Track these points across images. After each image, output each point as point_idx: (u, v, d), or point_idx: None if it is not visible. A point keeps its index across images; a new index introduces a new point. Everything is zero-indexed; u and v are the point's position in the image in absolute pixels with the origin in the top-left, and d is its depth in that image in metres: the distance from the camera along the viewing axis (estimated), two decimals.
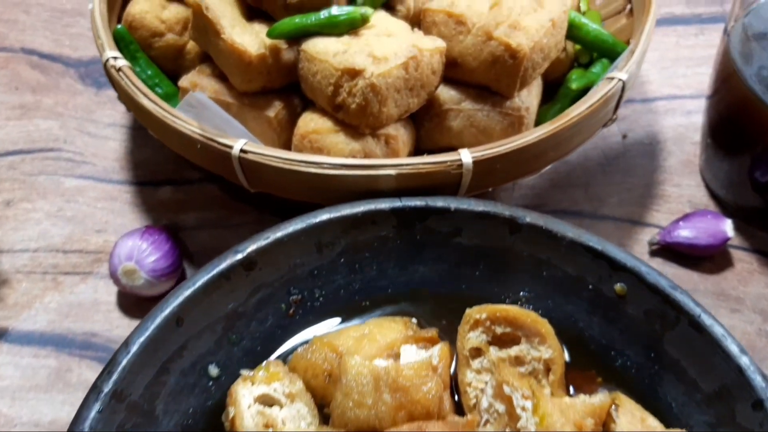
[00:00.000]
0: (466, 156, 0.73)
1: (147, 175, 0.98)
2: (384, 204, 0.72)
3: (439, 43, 0.78)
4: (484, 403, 0.59)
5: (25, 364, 0.81)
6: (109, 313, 0.86)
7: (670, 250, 0.92)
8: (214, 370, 0.67)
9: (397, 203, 0.73)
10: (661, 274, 0.68)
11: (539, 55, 0.80)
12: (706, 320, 0.65)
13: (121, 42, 0.87)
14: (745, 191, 0.93)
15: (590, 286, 0.71)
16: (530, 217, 0.72)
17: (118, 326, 0.84)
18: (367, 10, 0.78)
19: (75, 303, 0.86)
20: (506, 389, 0.56)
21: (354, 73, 0.74)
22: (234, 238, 0.92)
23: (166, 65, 0.91)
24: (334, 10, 0.77)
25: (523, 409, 0.55)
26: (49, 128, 1.04)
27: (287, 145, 0.85)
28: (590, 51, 0.92)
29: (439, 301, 0.73)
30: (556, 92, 0.93)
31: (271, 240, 0.69)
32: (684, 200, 0.98)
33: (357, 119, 0.77)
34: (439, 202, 0.73)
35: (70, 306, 0.86)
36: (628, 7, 0.97)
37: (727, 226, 0.90)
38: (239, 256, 0.68)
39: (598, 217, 0.96)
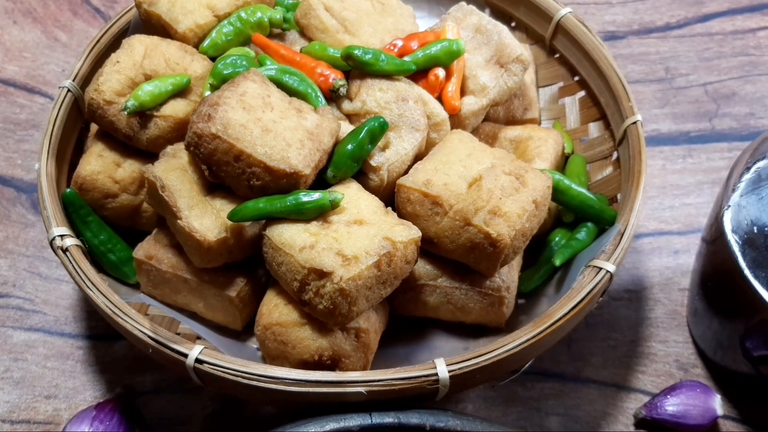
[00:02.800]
0: (443, 371, 0.68)
1: (101, 327, 0.92)
2: (353, 421, 0.67)
3: (414, 233, 0.72)
4: None
5: None
6: None
7: (656, 426, 0.87)
8: None
9: (367, 420, 0.67)
10: None
11: (521, 240, 0.76)
12: None
13: (70, 207, 0.80)
14: (734, 357, 0.89)
15: None
16: None
17: None
18: (336, 196, 0.72)
19: None
20: None
21: (321, 275, 0.69)
22: (194, 404, 0.86)
23: (121, 223, 0.85)
24: (303, 196, 0.72)
25: None
26: None
27: (251, 318, 0.80)
28: (574, 212, 0.87)
29: None
30: (538, 251, 0.87)
31: None
32: (671, 360, 0.93)
33: (324, 318, 0.71)
34: (413, 419, 0.67)
35: None
36: (615, 155, 0.92)
37: (717, 403, 0.85)
38: None
39: (581, 380, 0.91)
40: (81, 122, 0.90)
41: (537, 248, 0.88)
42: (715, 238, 0.83)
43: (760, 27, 1.30)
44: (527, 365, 0.77)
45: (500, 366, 0.70)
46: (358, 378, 0.67)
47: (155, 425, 0.85)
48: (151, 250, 0.79)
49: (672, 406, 0.86)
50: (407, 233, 0.72)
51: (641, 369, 0.92)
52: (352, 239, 0.70)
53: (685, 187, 1.10)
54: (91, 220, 0.81)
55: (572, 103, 1.02)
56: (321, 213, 0.72)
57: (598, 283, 0.73)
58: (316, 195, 0.72)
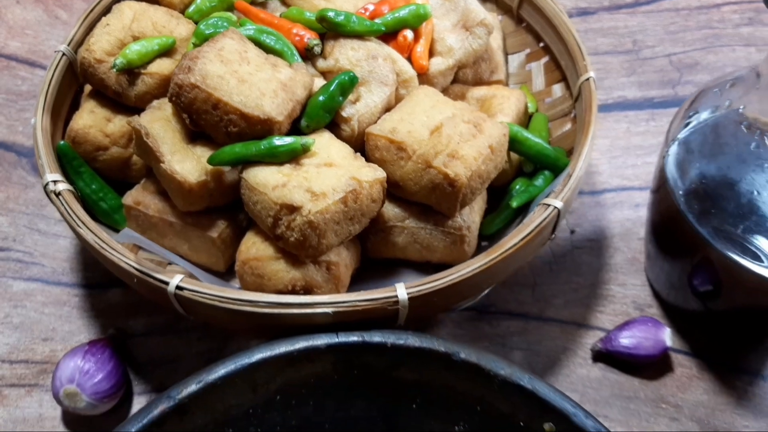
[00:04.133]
0: (402, 292, 0.74)
1: (96, 277, 0.99)
2: (320, 340, 0.73)
3: (379, 174, 0.79)
4: None
5: None
6: (54, 428, 0.86)
7: (612, 358, 0.93)
8: None
9: (333, 339, 0.73)
10: (587, 414, 0.69)
11: (477, 181, 0.82)
12: None
13: (64, 158, 0.87)
14: (685, 295, 0.95)
15: (521, 423, 0.72)
16: (464, 353, 0.73)
17: None
18: (307, 141, 0.79)
19: (20, 418, 0.87)
20: None
21: (292, 209, 0.75)
22: (182, 345, 0.93)
23: (112, 175, 0.91)
24: (276, 140, 0.78)
25: None
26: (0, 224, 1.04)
27: (233, 260, 0.86)
28: (534, 162, 0.93)
29: None
30: (501, 199, 0.94)
31: (203, 384, 0.70)
32: (628, 301, 0.99)
33: (296, 251, 0.78)
34: (376, 338, 0.74)
35: (15, 421, 0.86)
36: (573, 112, 0.98)
37: (666, 336, 0.92)
38: (171, 403, 0.69)
39: (544, 319, 0.97)
40: (76, 85, 0.96)
41: (500, 197, 0.94)
42: (659, 187, 0.90)
43: (725, 2, 1.36)
44: (483, 294, 0.83)
45: (456, 290, 0.76)
46: (324, 300, 0.73)
47: (144, 364, 0.91)
48: (139, 196, 0.86)
49: (626, 339, 0.92)
50: (373, 174, 0.79)
51: (600, 309, 0.99)
52: (321, 178, 0.77)
53: (647, 147, 1.16)
54: (83, 170, 0.88)
55: (538, 68, 1.08)
56: (293, 156, 0.79)
57: (546, 218, 0.79)
58: (288, 139, 0.78)
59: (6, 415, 0.87)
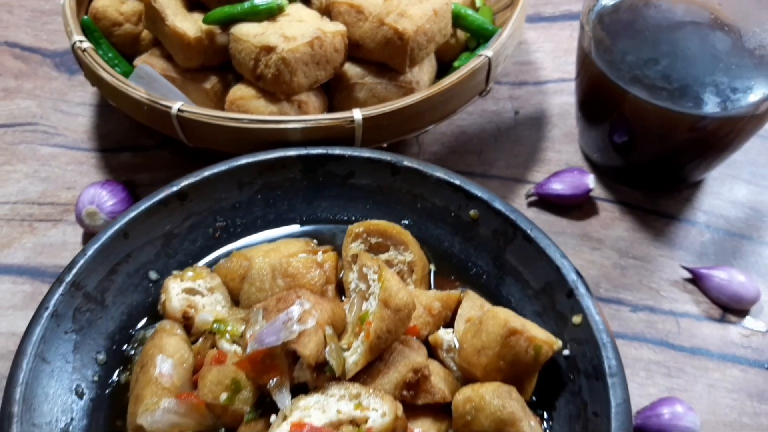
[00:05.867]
0: (357, 114, 0.92)
1: (109, 144, 1.17)
2: (292, 152, 0.91)
3: (340, 27, 0.97)
4: (353, 285, 0.78)
5: (4, 289, 0.99)
6: (75, 250, 1.03)
7: (544, 201, 1.11)
8: (153, 275, 0.85)
9: (302, 151, 0.91)
10: (503, 202, 0.87)
11: (423, 37, 1.00)
12: (535, 234, 0.83)
13: (87, 30, 1.05)
14: (608, 153, 1.12)
15: (452, 214, 0.90)
16: (407, 161, 0.91)
17: None
18: (283, 2, 0.97)
19: (47, 243, 1.04)
20: (364, 269, 0.75)
21: (269, 49, 0.93)
22: None
23: (124, 50, 1.10)
24: (257, 1, 0.97)
25: (373, 280, 0.73)
26: (28, 107, 1.22)
27: (221, 110, 1.04)
28: (476, 38, 1.11)
29: (336, 228, 0.92)
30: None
31: (200, 177, 0.88)
32: (562, 163, 1.17)
33: (273, 87, 0.96)
34: (336, 150, 0.92)
35: (43, 246, 1.04)
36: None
37: (590, 180, 1.09)
38: (175, 189, 0.87)
39: (488, 176, 1.15)
40: None
41: (448, 71, 1.12)
42: (581, 60, 1.07)
43: None
44: (430, 127, 1.00)
45: (403, 116, 0.94)
46: (294, 119, 0.91)
47: None
48: (147, 59, 1.04)
49: (555, 184, 1.09)
50: (335, 27, 0.97)
51: (537, 169, 1.16)
52: (293, 28, 0.95)
53: None
54: (102, 42, 1.07)
55: None
56: (271, 15, 0.98)
57: (478, 64, 0.97)
58: (267, 0, 0.97)
59: (35, 241, 1.04)
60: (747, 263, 1.05)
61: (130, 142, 1.17)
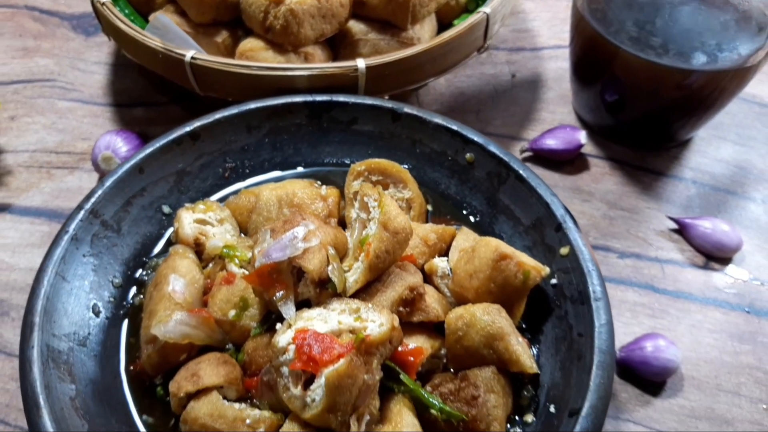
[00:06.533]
0: (361, 63, 0.97)
1: (124, 100, 1.22)
2: (298, 98, 0.97)
3: None
4: (353, 215, 0.83)
5: (23, 228, 1.05)
6: None
7: (537, 157, 1.16)
8: (166, 209, 0.91)
9: (308, 98, 0.97)
10: (498, 146, 0.92)
11: None
12: (527, 174, 0.89)
13: None
14: (600, 113, 1.17)
15: (449, 158, 0.95)
16: (408, 108, 0.96)
17: None
18: None
19: (64, 188, 1.10)
20: (365, 199, 0.80)
21: (278, 1, 0.99)
22: None
23: (140, 9, 1.15)
24: None
25: (373, 207, 0.79)
26: (46, 65, 1.28)
27: None
28: (475, 0, 1.16)
29: (339, 171, 0.97)
30: None
31: (212, 119, 0.93)
32: (556, 122, 1.22)
33: (281, 38, 1.01)
34: (341, 98, 0.97)
35: (60, 190, 1.10)
36: None
37: (581, 136, 1.14)
38: (188, 129, 0.92)
39: (485, 133, 1.18)
40: None
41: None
42: (576, 25, 1.12)
43: None
44: (431, 79, 1.06)
45: (405, 65, 0.99)
46: (301, 66, 0.97)
47: None
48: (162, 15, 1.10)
49: (548, 139, 1.15)
50: None
51: (531, 127, 1.21)
52: None
53: None
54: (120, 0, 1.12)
55: None
56: None
57: (476, 19, 1.02)
58: None
59: (53, 186, 1.10)
60: (731, 216, 1.10)
61: (144, 98, 1.22)
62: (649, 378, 0.92)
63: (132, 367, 0.79)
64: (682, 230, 1.07)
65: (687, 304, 1.00)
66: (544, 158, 1.15)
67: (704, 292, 1.02)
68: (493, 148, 0.91)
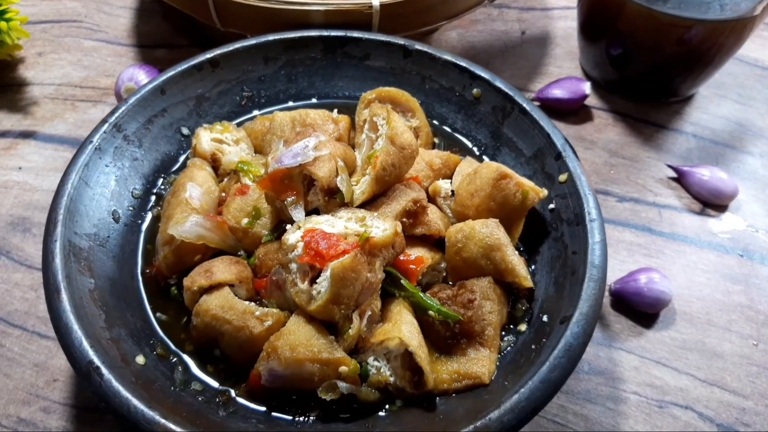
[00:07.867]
0: (375, 0, 1.01)
1: (147, 42, 1.27)
2: (314, 32, 1.01)
3: None
4: (363, 137, 0.87)
5: (47, 154, 1.10)
6: None
7: (544, 106, 1.20)
8: (185, 131, 0.95)
9: (323, 33, 1.01)
10: (503, 81, 0.96)
11: None
12: (530, 108, 0.92)
13: None
14: (605, 68, 1.21)
15: (457, 93, 0.99)
16: (418, 45, 1.00)
17: None
18: None
19: (87, 119, 1.15)
20: (374, 119, 0.84)
21: None
22: None
23: None
24: None
25: (381, 125, 0.83)
26: (74, 7, 1.33)
27: None
28: None
29: (351, 104, 1.01)
30: None
31: (231, 49, 0.98)
32: (563, 76, 1.26)
33: None
34: (354, 33, 1.01)
35: (83, 121, 1.14)
36: None
37: (586, 86, 1.18)
38: (208, 56, 0.97)
39: None
40: None
41: None
42: None
43: None
44: (444, 22, 1.10)
45: (417, 5, 1.03)
46: (318, 1, 1.01)
47: None
48: None
49: (554, 89, 1.18)
50: None
51: (539, 80, 1.25)
52: None
53: None
54: None
55: None
56: None
57: None
58: None
59: (76, 117, 1.15)
60: (729, 168, 1.13)
61: (166, 40, 1.27)
62: (642, 309, 0.95)
63: (148, 270, 0.84)
64: (680, 178, 1.10)
65: (682, 246, 1.04)
66: (550, 107, 1.19)
67: (699, 235, 1.05)
68: (499, 83, 0.95)
